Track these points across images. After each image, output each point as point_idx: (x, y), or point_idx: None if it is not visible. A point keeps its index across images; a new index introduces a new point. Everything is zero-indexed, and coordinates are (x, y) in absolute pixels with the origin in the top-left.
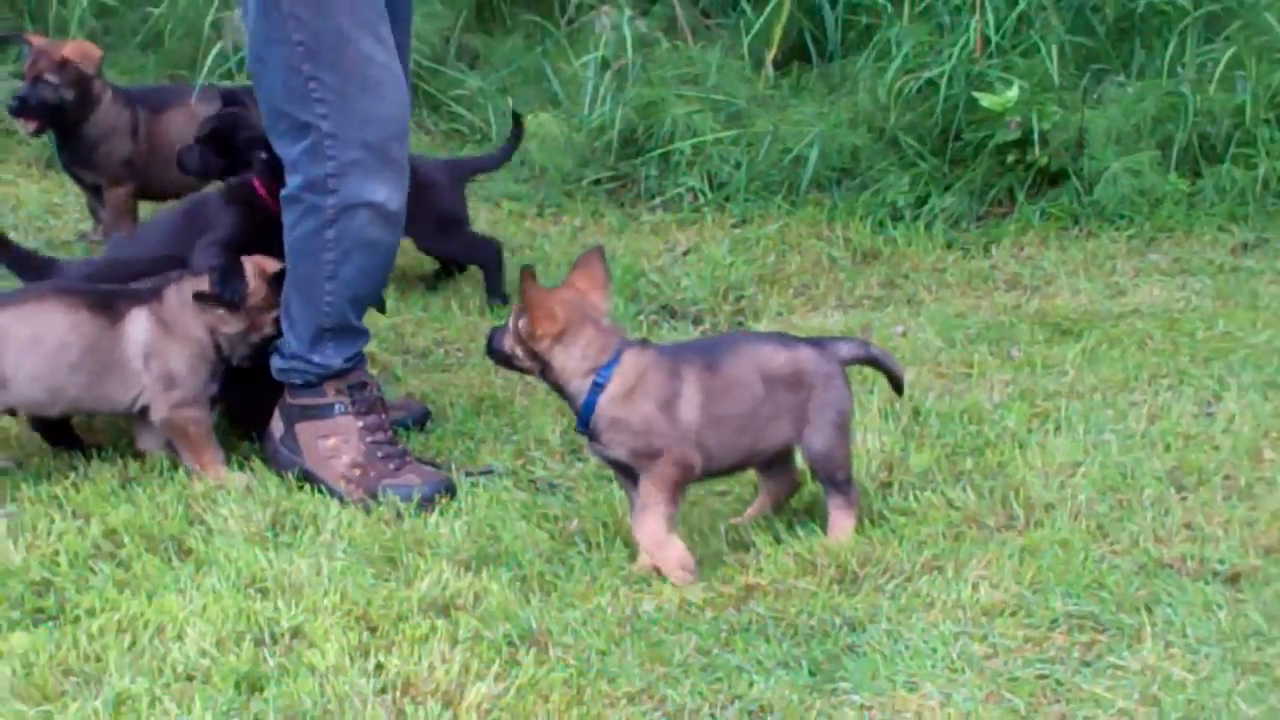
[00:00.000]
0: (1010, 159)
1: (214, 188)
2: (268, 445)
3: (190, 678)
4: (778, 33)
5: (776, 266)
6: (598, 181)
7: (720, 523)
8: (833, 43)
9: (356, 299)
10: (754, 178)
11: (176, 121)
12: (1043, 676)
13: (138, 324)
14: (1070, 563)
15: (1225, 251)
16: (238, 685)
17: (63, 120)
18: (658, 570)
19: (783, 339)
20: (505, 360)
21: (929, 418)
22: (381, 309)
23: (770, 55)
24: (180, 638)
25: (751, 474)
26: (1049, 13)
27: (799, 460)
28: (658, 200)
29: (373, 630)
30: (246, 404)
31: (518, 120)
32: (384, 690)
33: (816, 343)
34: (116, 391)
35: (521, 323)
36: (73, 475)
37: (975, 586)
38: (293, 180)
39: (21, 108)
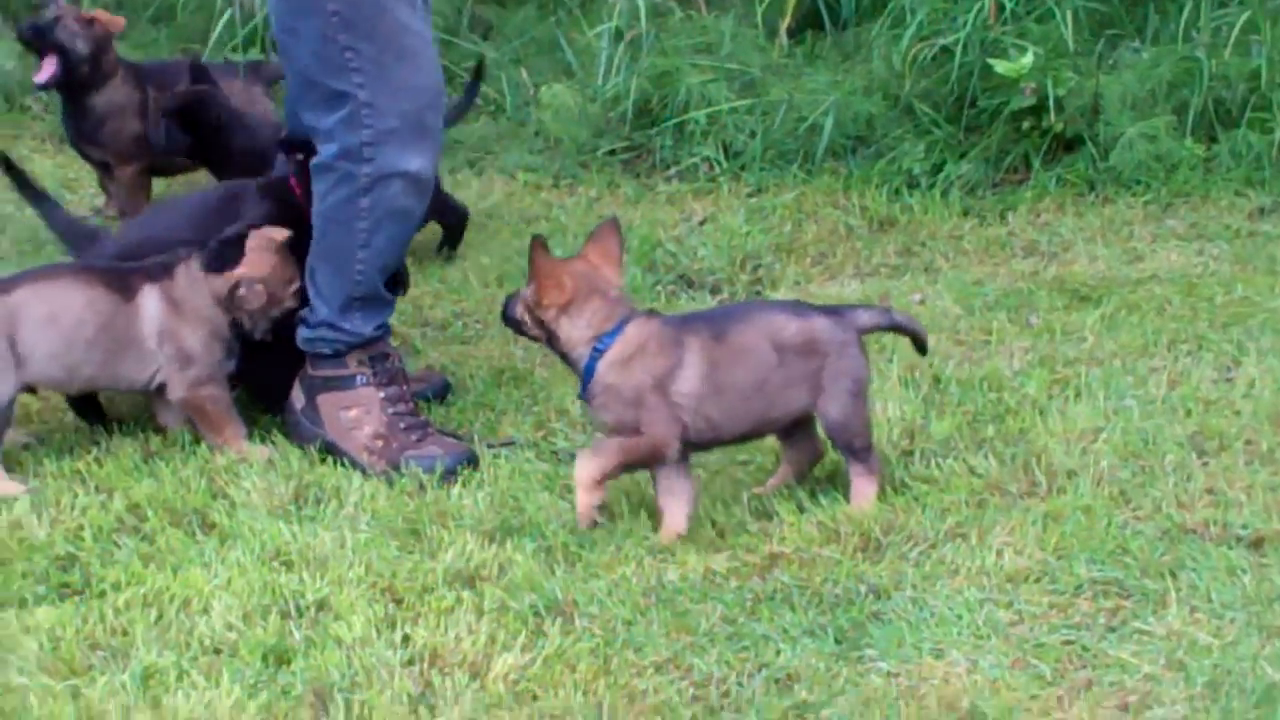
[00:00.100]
0: (1026, 125)
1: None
2: (289, 417)
3: (217, 651)
4: (791, 1)
5: (793, 235)
6: (613, 152)
7: (743, 492)
8: (847, 10)
9: (385, 268)
10: (769, 147)
11: None
12: (1068, 642)
13: (150, 302)
14: (1093, 529)
15: (1242, 216)
16: (265, 658)
17: (72, 81)
18: (681, 538)
19: (797, 307)
20: (517, 327)
21: (949, 385)
22: (405, 287)
23: (784, 23)
24: (206, 611)
25: (773, 443)
26: None
27: (819, 429)
28: (673, 170)
29: (398, 602)
30: (268, 378)
31: (479, 69)
32: (411, 661)
33: (833, 311)
34: (133, 369)
35: (529, 291)
36: (95, 450)
37: (999, 553)
38: (326, 149)
39: (36, 36)
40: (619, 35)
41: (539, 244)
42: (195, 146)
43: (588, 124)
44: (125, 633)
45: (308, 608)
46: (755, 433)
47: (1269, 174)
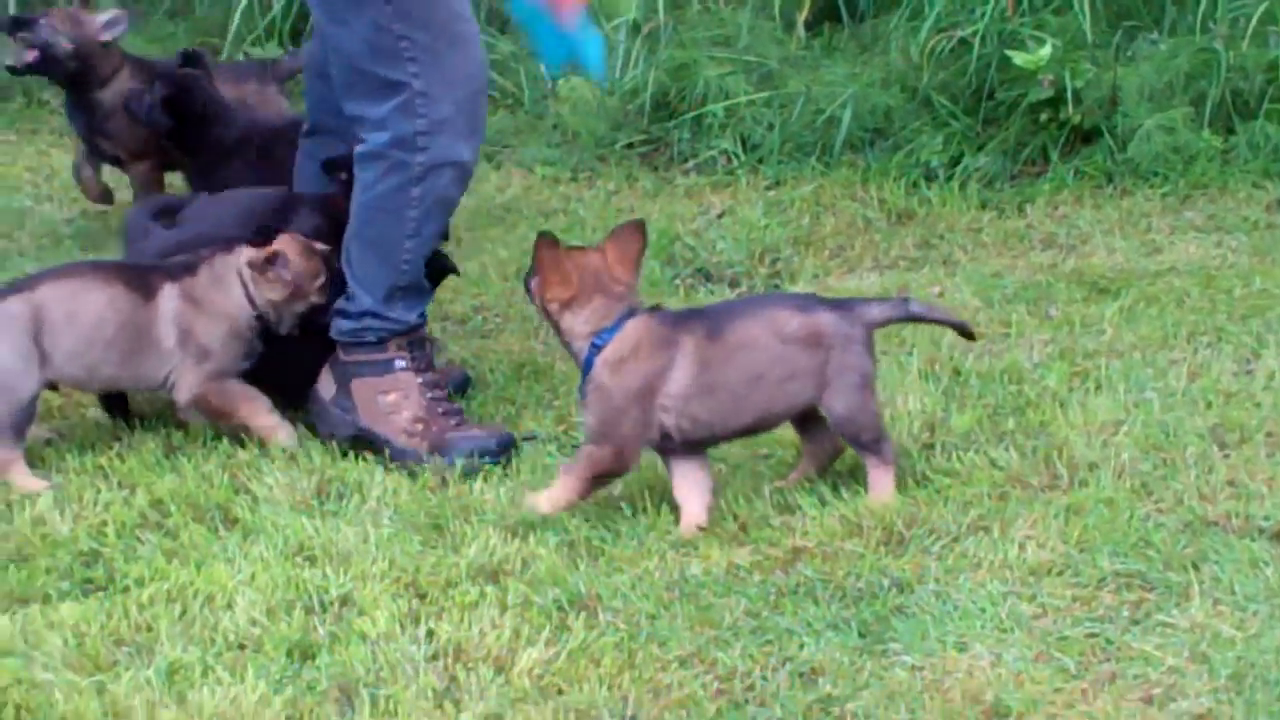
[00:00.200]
0: (1043, 117)
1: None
2: (315, 407)
3: (242, 646)
4: None
5: (811, 228)
6: (630, 145)
7: (765, 486)
8: (864, 2)
9: (427, 256)
10: (787, 139)
11: None
12: (1092, 635)
13: (169, 301)
14: (1116, 521)
15: (1260, 208)
16: (289, 653)
17: (54, 75)
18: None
19: (802, 301)
20: (532, 298)
21: (969, 378)
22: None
23: (802, 16)
24: (230, 606)
25: (794, 437)
26: None
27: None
28: (691, 163)
29: (422, 597)
30: (289, 374)
31: None
32: (435, 656)
33: (840, 305)
34: (151, 369)
35: (534, 284)
36: (117, 445)
37: (1022, 546)
38: (377, 137)
39: (15, 29)
40: (636, 28)
41: (544, 242)
42: (174, 131)
43: (606, 117)
44: (149, 628)
45: (331, 603)
46: (758, 427)
47: None
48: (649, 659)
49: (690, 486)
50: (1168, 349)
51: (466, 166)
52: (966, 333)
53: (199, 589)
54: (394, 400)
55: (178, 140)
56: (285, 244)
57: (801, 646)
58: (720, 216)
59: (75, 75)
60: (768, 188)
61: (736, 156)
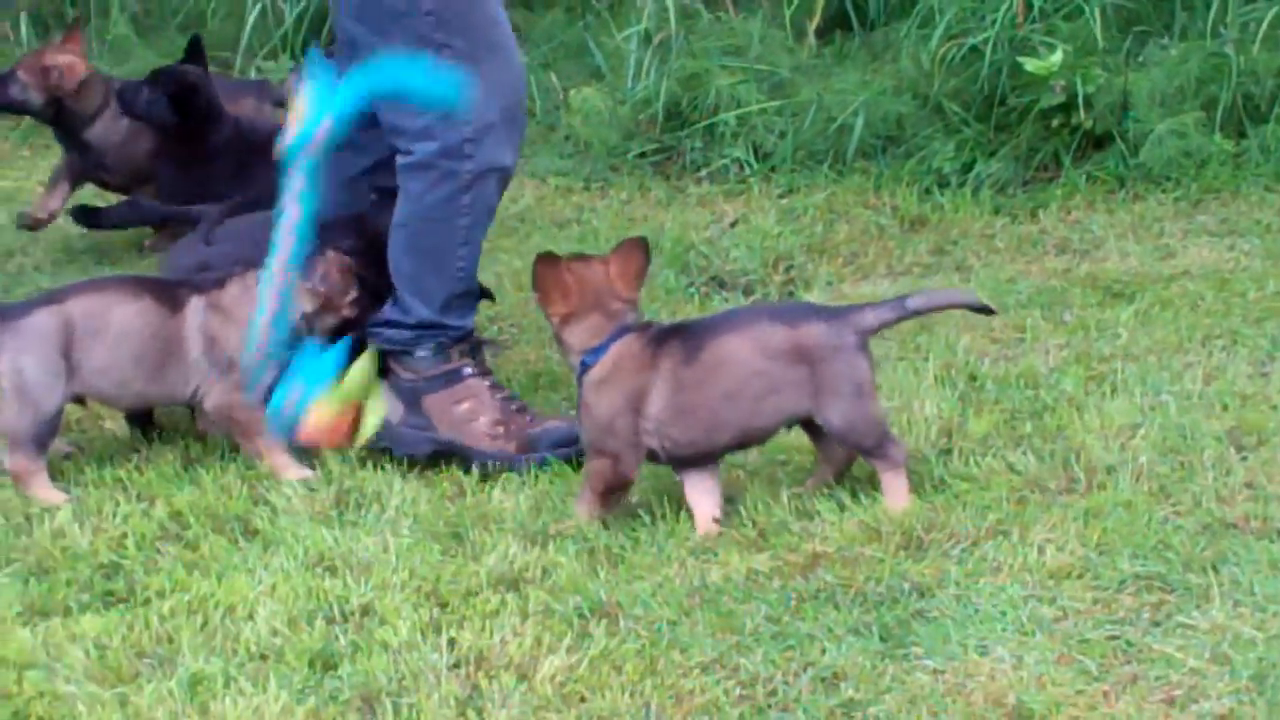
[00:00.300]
0: (1055, 123)
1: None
2: (385, 434)
3: (264, 657)
4: (819, 1)
5: (825, 236)
6: (643, 155)
7: (783, 491)
8: (875, 10)
9: (477, 261)
10: (799, 147)
11: None
12: (1113, 638)
13: (195, 315)
14: (1134, 524)
15: (1273, 212)
16: (311, 664)
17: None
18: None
19: (789, 313)
20: None
21: (985, 383)
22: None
23: (812, 24)
24: (251, 617)
25: (810, 443)
26: None
27: None
28: (704, 172)
29: (443, 606)
30: None
31: None
32: (457, 665)
33: (831, 313)
34: (178, 382)
35: (536, 297)
36: (135, 458)
37: (1041, 550)
38: (424, 147)
39: None
40: (648, 38)
41: (543, 260)
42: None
43: (618, 127)
44: (171, 640)
45: (352, 613)
46: (745, 443)
47: None
48: (671, 665)
49: (701, 493)
50: (1183, 352)
51: (509, 171)
52: (981, 308)
53: (220, 600)
54: (470, 408)
55: (169, 137)
56: (319, 258)
57: (823, 651)
58: (733, 225)
59: (58, 120)
60: (780, 196)
61: (749, 165)
